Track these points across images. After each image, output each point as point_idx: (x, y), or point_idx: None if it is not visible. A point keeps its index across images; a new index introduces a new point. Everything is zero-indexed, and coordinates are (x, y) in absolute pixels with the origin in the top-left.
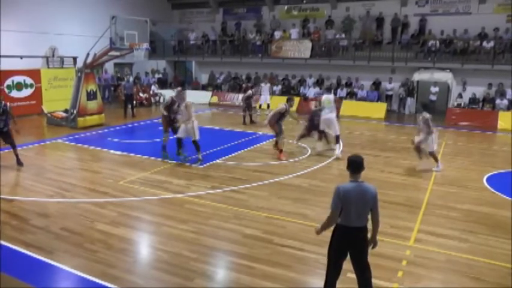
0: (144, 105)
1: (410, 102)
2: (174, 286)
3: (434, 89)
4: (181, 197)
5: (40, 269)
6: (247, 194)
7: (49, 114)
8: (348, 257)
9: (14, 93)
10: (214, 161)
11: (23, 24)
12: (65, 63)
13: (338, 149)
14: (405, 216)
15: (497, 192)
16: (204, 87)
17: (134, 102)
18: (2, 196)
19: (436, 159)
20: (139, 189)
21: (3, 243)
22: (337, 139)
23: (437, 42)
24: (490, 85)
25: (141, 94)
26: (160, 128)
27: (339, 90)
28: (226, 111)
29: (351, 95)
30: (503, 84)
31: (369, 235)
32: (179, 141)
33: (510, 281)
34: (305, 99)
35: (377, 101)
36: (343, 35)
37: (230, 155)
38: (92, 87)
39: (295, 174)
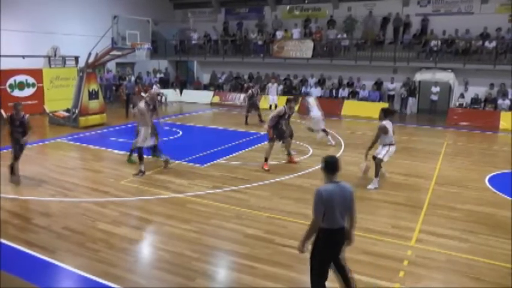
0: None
1: (412, 102)
2: (176, 286)
3: (435, 89)
4: (182, 197)
5: (42, 268)
6: (249, 193)
7: (51, 114)
8: None
9: (16, 93)
10: (215, 161)
11: (25, 23)
12: (66, 63)
13: (331, 139)
14: (406, 217)
15: (498, 193)
16: (205, 87)
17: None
18: (4, 195)
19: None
20: (141, 189)
21: (6, 242)
22: (324, 131)
23: (439, 42)
24: (492, 85)
25: (142, 94)
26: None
27: (340, 90)
28: (228, 111)
29: (353, 95)
30: (505, 85)
31: None
32: (153, 148)
33: (510, 281)
34: None
35: (379, 101)
36: (345, 35)
37: (232, 155)
38: (94, 86)
39: (296, 174)
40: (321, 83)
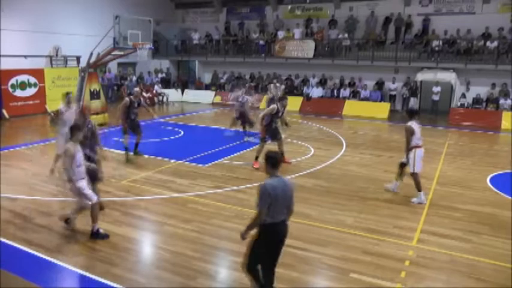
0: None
1: (413, 102)
2: (177, 285)
3: (436, 89)
4: (184, 197)
5: (43, 267)
6: (250, 193)
7: (53, 114)
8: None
9: (18, 93)
10: (217, 161)
11: (27, 23)
12: (68, 63)
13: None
14: (408, 217)
15: (500, 193)
16: (207, 87)
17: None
18: (6, 195)
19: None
20: (142, 189)
21: (7, 241)
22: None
23: (441, 42)
24: (493, 85)
25: (144, 94)
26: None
27: (342, 90)
28: (229, 111)
29: (354, 95)
30: (507, 85)
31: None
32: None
33: None
34: (308, 99)
35: (380, 101)
36: (347, 35)
37: (233, 155)
38: (95, 86)
39: (298, 174)
40: (322, 83)
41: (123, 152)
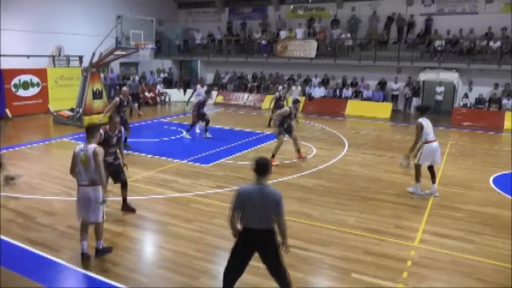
0: (149, 105)
1: (416, 102)
2: (179, 285)
3: (439, 89)
4: (186, 196)
5: (45, 266)
6: None
7: (55, 113)
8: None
9: (21, 92)
10: (219, 161)
11: (30, 23)
12: (71, 63)
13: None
14: (410, 217)
15: (503, 193)
16: (209, 87)
17: (138, 101)
18: (8, 194)
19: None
20: (144, 188)
21: (9, 240)
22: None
23: (443, 41)
24: (496, 85)
25: (146, 93)
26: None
27: (344, 90)
28: (231, 111)
29: (357, 95)
30: (509, 85)
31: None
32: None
33: None
34: (310, 99)
35: (382, 101)
36: (349, 35)
37: (235, 154)
38: (98, 86)
39: (299, 174)
40: (324, 82)
41: (124, 152)
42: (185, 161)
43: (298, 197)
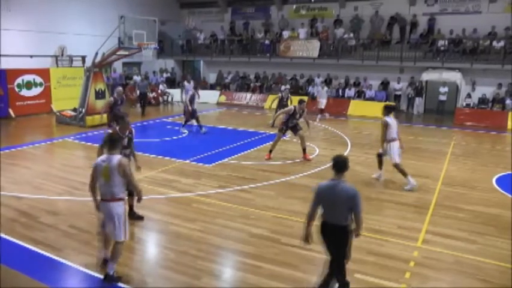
0: (152, 105)
1: (418, 102)
2: (181, 285)
3: (443, 89)
4: (188, 196)
5: (48, 266)
6: (255, 193)
7: (58, 113)
8: None
9: (24, 92)
10: (222, 160)
11: (33, 23)
12: (73, 63)
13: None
14: (413, 217)
15: (506, 193)
16: (212, 87)
17: (144, 102)
18: (12, 194)
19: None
20: (147, 188)
21: (12, 240)
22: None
23: (446, 41)
24: (499, 85)
25: (149, 93)
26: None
27: (347, 90)
28: (234, 111)
29: (359, 95)
30: None
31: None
32: None
33: None
34: (313, 98)
35: (385, 100)
36: (352, 35)
37: (238, 154)
38: (101, 86)
39: (302, 174)
40: (327, 82)
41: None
42: (188, 161)
43: (301, 197)
